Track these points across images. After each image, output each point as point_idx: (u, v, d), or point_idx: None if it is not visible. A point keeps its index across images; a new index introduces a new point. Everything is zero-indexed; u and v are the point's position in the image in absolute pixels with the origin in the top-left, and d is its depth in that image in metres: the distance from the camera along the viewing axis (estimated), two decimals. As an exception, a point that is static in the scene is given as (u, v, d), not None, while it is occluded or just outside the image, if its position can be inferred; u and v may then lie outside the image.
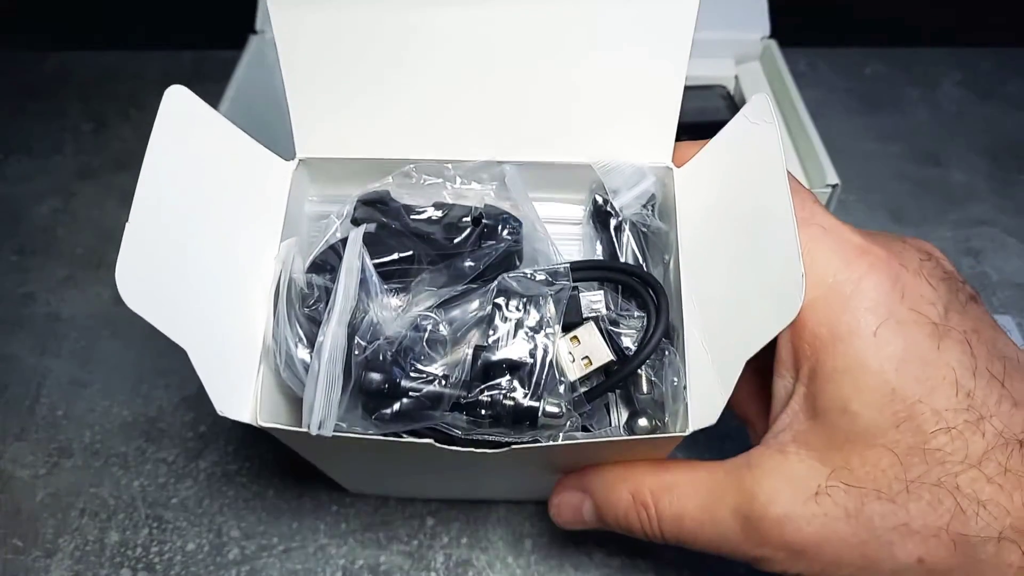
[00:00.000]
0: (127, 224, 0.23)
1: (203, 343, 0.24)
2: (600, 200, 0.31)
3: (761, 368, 0.29)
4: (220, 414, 0.24)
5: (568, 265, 0.28)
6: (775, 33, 0.51)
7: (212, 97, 0.47)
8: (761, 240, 0.25)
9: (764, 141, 0.26)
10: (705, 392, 0.26)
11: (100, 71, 0.64)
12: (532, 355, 0.26)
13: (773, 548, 0.25)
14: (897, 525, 0.23)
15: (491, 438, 0.26)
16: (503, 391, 0.26)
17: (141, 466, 0.40)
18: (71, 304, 0.48)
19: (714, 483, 0.26)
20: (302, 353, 0.27)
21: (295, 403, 0.29)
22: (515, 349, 0.26)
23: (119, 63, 0.65)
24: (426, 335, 0.26)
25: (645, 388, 0.28)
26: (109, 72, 0.64)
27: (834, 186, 0.40)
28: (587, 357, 0.27)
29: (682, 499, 0.26)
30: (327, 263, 0.28)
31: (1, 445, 0.41)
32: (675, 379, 0.27)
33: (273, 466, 0.40)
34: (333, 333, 0.25)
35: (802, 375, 0.26)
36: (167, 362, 0.43)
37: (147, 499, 0.39)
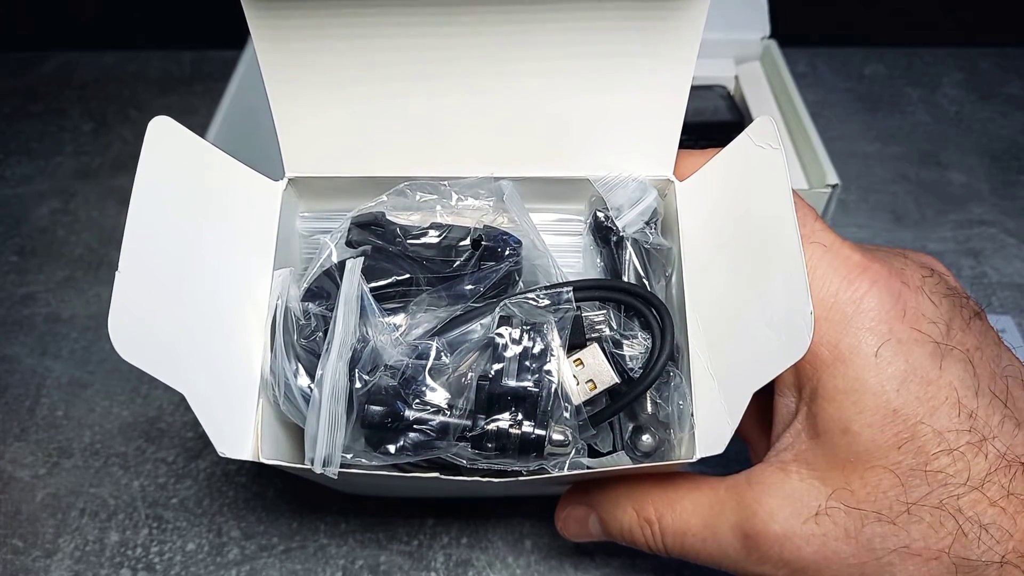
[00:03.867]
0: (117, 273, 0.23)
1: (201, 383, 0.24)
2: (601, 216, 0.31)
3: (763, 388, 0.29)
4: (221, 455, 0.24)
5: (571, 288, 0.27)
6: (775, 33, 0.51)
7: (212, 97, 0.47)
8: (768, 267, 0.25)
9: (770, 166, 0.26)
10: (711, 418, 0.26)
11: (100, 71, 0.65)
12: (537, 384, 0.25)
13: (773, 566, 0.25)
14: (898, 547, 0.23)
15: (497, 467, 0.26)
16: (509, 422, 0.25)
17: (141, 466, 0.40)
18: (71, 305, 0.48)
19: (716, 499, 0.26)
20: (301, 382, 0.26)
21: (296, 432, 0.29)
22: (520, 379, 0.26)
23: (119, 63, 0.65)
24: (428, 364, 0.26)
25: (650, 408, 0.28)
26: (109, 72, 0.64)
27: (834, 186, 0.40)
28: (592, 380, 0.27)
29: (684, 515, 0.26)
30: (323, 289, 0.27)
31: (1, 446, 0.41)
32: (680, 402, 0.27)
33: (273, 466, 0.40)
34: (333, 369, 0.25)
35: (804, 395, 0.26)
36: (167, 362, 0.43)
37: (147, 499, 0.39)
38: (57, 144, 0.58)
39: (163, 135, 0.26)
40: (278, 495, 0.39)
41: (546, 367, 0.26)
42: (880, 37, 0.65)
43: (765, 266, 0.25)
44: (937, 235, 0.52)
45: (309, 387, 0.26)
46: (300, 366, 0.26)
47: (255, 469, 0.40)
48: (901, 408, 0.23)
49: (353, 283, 0.26)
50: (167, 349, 0.24)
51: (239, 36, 0.51)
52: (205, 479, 0.39)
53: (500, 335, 0.26)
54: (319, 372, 0.25)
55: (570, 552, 0.37)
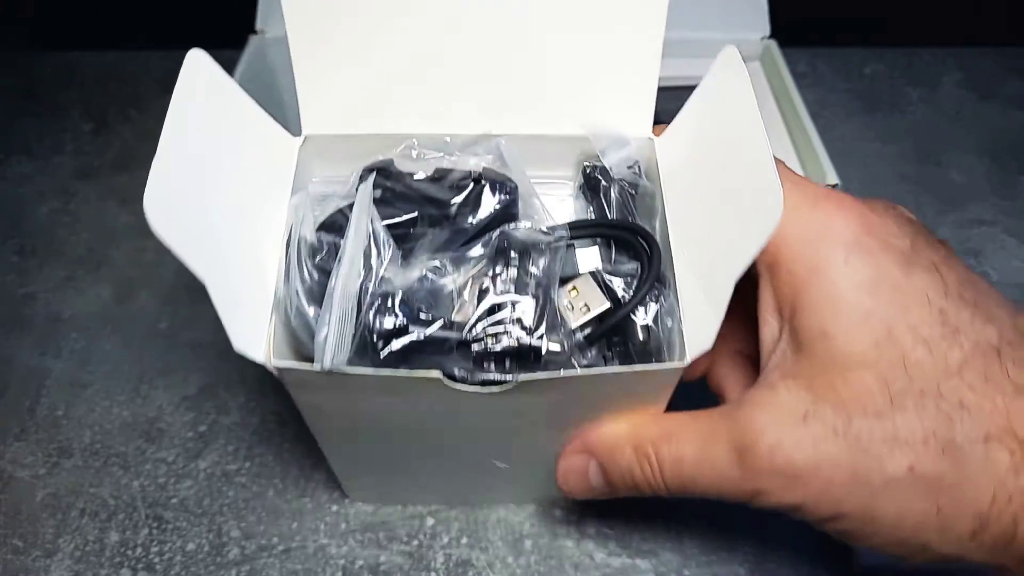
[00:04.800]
0: (155, 158, 0.23)
1: (221, 282, 0.24)
2: (588, 169, 0.32)
3: (742, 350, 0.31)
4: (237, 350, 0.24)
5: (566, 225, 0.29)
6: (775, 33, 0.51)
7: (212, 97, 0.47)
8: (741, 172, 0.26)
9: (736, 88, 0.26)
10: (700, 326, 0.26)
11: (100, 71, 0.64)
12: (535, 297, 0.27)
13: (768, 477, 0.25)
14: (885, 438, 0.23)
15: (494, 378, 0.26)
16: (506, 325, 0.26)
17: (141, 466, 0.40)
18: (71, 304, 0.48)
19: (710, 424, 0.27)
20: (311, 307, 0.27)
21: (304, 360, 0.29)
22: (518, 293, 0.27)
23: (119, 63, 0.65)
24: (431, 278, 0.27)
25: (641, 336, 0.29)
26: (109, 72, 0.64)
27: (834, 186, 0.40)
28: (585, 305, 0.28)
29: (681, 444, 0.27)
30: (336, 223, 0.29)
31: (1, 445, 0.41)
32: (670, 322, 0.28)
33: (273, 466, 0.40)
34: (345, 274, 0.26)
35: (785, 315, 0.26)
36: (167, 362, 0.43)
37: (147, 499, 0.39)
38: (57, 144, 0.58)
39: (198, 68, 0.27)
40: (278, 495, 0.39)
41: (543, 285, 0.27)
42: (880, 37, 0.65)
43: (738, 172, 0.26)
44: (937, 234, 0.52)
45: (318, 310, 0.27)
46: (312, 285, 0.27)
47: (255, 469, 0.40)
48: (875, 308, 0.24)
49: (367, 195, 0.28)
50: (195, 239, 0.24)
51: (239, 36, 0.52)
52: (205, 479, 0.39)
53: (500, 250, 0.27)
54: (331, 281, 0.26)
55: (570, 552, 0.37)
